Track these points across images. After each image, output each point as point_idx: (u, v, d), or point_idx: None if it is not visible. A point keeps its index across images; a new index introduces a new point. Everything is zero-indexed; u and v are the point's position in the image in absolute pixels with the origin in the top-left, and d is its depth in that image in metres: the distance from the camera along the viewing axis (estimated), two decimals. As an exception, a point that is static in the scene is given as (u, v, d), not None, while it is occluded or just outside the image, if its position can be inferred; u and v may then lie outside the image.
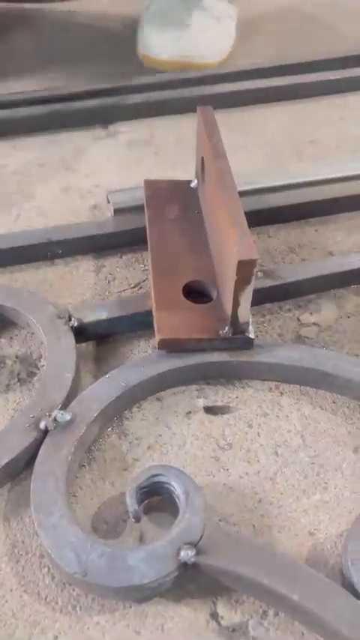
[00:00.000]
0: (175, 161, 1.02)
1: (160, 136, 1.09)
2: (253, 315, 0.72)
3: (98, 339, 0.72)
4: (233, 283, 0.60)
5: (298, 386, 0.68)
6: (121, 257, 0.83)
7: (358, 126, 1.13)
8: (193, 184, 0.86)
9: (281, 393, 0.67)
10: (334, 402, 0.66)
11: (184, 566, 0.49)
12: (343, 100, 1.20)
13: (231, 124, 1.11)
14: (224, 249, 0.65)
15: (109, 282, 0.80)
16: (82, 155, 1.04)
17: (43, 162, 1.02)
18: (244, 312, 0.64)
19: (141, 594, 0.49)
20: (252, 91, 1.16)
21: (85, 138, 1.08)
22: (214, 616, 0.50)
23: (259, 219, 0.87)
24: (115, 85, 1.13)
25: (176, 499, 0.53)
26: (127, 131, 1.10)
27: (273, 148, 1.07)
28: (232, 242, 0.60)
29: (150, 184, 0.86)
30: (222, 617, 0.50)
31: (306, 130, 1.12)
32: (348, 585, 0.49)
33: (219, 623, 0.49)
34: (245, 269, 0.58)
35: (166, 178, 0.88)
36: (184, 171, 0.90)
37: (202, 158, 0.79)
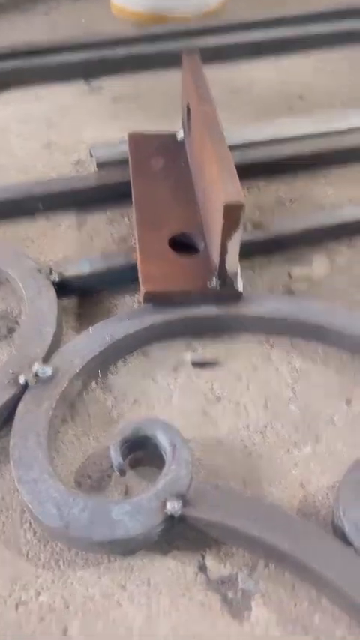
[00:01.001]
0: (161, 117, 0.97)
1: (145, 91, 1.05)
2: (242, 269, 0.69)
3: (81, 295, 0.70)
4: (221, 229, 0.57)
5: (289, 339, 0.65)
6: (104, 212, 0.80)
7: (349, 80, 1.09)
8: (179, 136, 0.83)
9: (271, 346, 0.65)
10: (325, 355, 0.64)
11: (171, 519, 0.47)
12: (334, 54, 1.16)
13: (219, 79, 1.07)
14: (211, 195, 0.62)
15: (92, 237, 0.77)
16: (64, 111, 1.00)
17: (25, 118, 0.98)
18: (233, 261, 0.61)
19: (125, 548, 0.47)
20: (239, 45, 1.12)
21: (67, 93, 1.03)
22: (203, 569, 0.48)
23: (248, 173, 0.83)
24: (98, 39, 1.08)
25: (162, 452, 0.51)
26: (111, 86, 1.05)
27: (262, 104, 1.03)
28: (218, 186, 0.57)
29: (134, 137, 0.83)
30: (210, 570, 0.48)
31: (296, 85, 1.08)
32: (339, 534, 0.47)
33: (207, 576, 0.48)
34: (233, 213, 0.56)
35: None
36: (170, 126, 0.87)
37: (188, 105, 0.75)
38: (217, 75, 1.07)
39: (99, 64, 1.05)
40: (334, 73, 1.11)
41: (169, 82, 1.05)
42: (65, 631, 0.45)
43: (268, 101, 1.04)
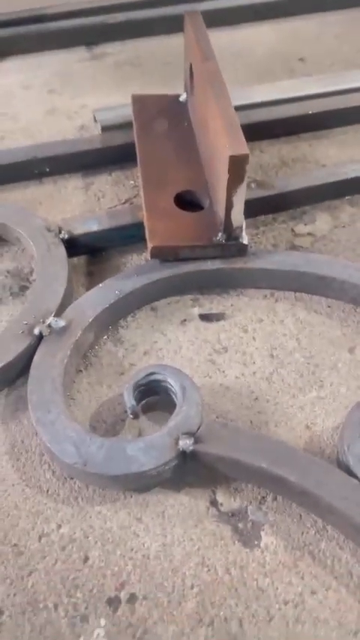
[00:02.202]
0: (164, 82, 0.98)
1: (147, 56, 1.05)
2: (247, 227, 0.71)
3: (90, 253, 0.71)
4: (226, 182, 0.59)
5: (293, 292, 0.67)
6: (110, 174, 0.82)
7: (350, 44, 1.09)
8: (182, 98, 0.83)
9: (276, 300, 0.67)
10: (329, 307, 0.66)
11: (183, 455, 0.49)
12: (334, 16, 1.16)
13: (220, 43, 1.07)
14: (216, 150, 0.64)
15: (98, 199, 0.79)
16: (67, 77, 1.00)
17: (27, 85, 0.98)
18: (238, 215, 0.63)
19: (140, 483, 0.50)
20: (240, 7, 1.12)
21: (69, 60, 1.04)
22: (214, 503, 0.51)
23: (251, 134, 0.83)
24: (98, 5, 1.08)
25: (173, 395, 0.54)
26: (113, 52, 1.06)
27: (263, 66, 1.04)
28: (223, 140, 0.58)
29: (138, 100, 0.84)
30: (222, 504, 0.51)
31: (296, 47, 1.08)
32: (344, 468, 0.50)
33: (218, 510, 0.50)
34: (237, 165, 0.57)
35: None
36: (172, 91, 0.87)
37: (191, 65, 0.76)
38: (218, 38, 1.07)
39: (100, 30, 1.06)
40: (334, 36, 1.11)
41: (170, 47, 1.06)
42: (86, 559, 0.47)
43: (270, 63, 1.05)
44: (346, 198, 0.79)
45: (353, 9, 1.17)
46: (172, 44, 1.06)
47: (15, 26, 1.05)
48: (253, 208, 0.74)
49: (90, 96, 0.96)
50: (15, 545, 0.48)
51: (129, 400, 0.53)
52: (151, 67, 1.03)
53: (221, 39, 1.09)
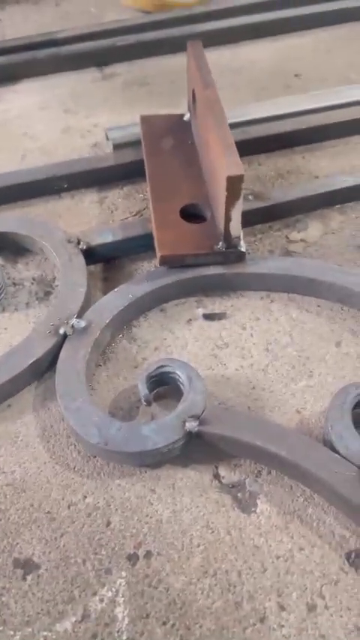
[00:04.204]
0: (169, 100, 1.07)
1: (154, 75, 1.14)
2: (245, 236, 0.79)
3: (106, 261, 0.80)
4: (224, 199, 0.67)
5: (287, 294, 0.75)
6: (121, 189, 0.90)
7: (342, 59, 1.17)
8: (186, 117, 0.92)
9: (271, 301, 0.75)
10: (318, 306, 0.74)
11: (189, 435, 0.58)
12: (329, 32, 1.23)
13: (221, 61, 1.16)
14: (215, 170, 0.72)
15: (112, 211, 0.87)
16: (80, 97, 1.09)
17: (43, 106, 1.07)
18: (236, 226, 0.71)
19: (154, 459, 0.58)
20: (240, 27, 1.20)
21: (82, 80, 1.13)
22: (217, 476, 0.59)
23: (249, 148, 0.93)
24: (108, 28, 1.17)
25: (181, 385, 0.62)
26: (122, 72, 1.14)
27: (261, 83, 1.12)
28: (221, 162, 0.67)
29: (146, 120, 0.92)
30: (223, 477, 0.59)
31: (293, 64, 1.16)
32: (329, 445, 0.58)
33: (220, 482, 0.59)
34: (234, 184, 0.65)
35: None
36: (178, 108, 0.96)
37: (193, 90, 0.84)
38: (220, 56, 1.16)
39: (110, 51, 1.14)
40: (328, 52, 1.19)
41: (175, 65, 1.14)
42: (108, 523, 0.56)
43: (267, 80, 1.13)
44: (336, 207, 0.87)
45: (343, 24, 1.24)
46: (177, 63, 1.14)
47: (29, 50, 1.13)
48: (251, 218, 0.82)
49: (102, 115, 1.05)
50: (48, 512, 0.57)
51: (142, 389, 0.61)
52: (157, 85, 1.11)
53: (223, 56, 1.18)
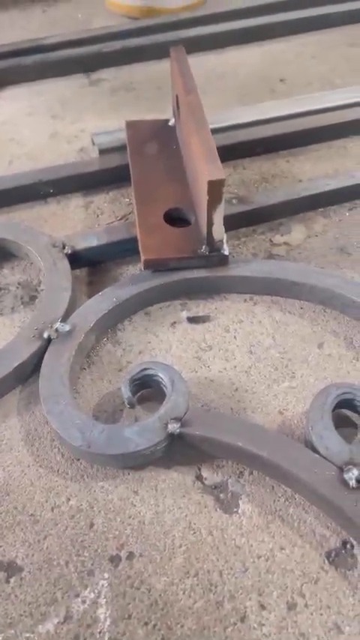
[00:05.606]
0: (156, 105, 1.08)
1: (140, 81, 1.15)
2: (229, 239, 0.80)
3: (90, 266, 0.81)
4: (206, 203, 0.68)
5: (270, 296, 0.76)
6: (107, 193, 0.91)
7: (327, 64, 1.18)
8: (171, 122, 0.93)
9: (255, 303, 0.76)
10: (301, 308, 0.75)
11: (172, 437, 0.58)
12: (313, 38, 1.25)
13: (207, 66, 1.17)
14: (197, 174, 0.73)
15: (97, 216, 0.88)
16: (67, 103, 1.10)
17: (31, 112, 1.08)
18: (218, 230, 0.72)
19: (136, 461, 0.59)
20: (226, 32, 1.21)
21: (69, 86, 1.13)
22: (199, 478, 0.60)
23: (234, 153, 0.94)
24: (95, 34, 1.18)
25: (164, 387, 0.63)
26: (109, 78, 1.15)
27: (246, 87, 1.13)
28: (202, 166, 0.67)
29: (131, 125, 0.93)
30: (206, 479, 0.60)
31: (277, 69, 1.17)
32: (309, 445, 0.58)
33: (203, 483, 0.59)
34: (215, 188, 0.66)
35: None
36: (164, 113, 0.97)
37: (177, 95, 0.85)
38: (205, 62, 1.17)
39: (97, 57, 1.15)
40: (313, 57, 1.20)
41: (161, 71, 1.15)
42: (91, 525, 0.56)
43: (252, 84, 1.14)
44: (320, 210, 0.88)
45: (328, 30, 1.26)
46: (163, 69, 1.15)
47: (17, 57, 1.14)
48: (235, 222, 0.83)
49: (89, 120, 1.06)
50: (32, 515, 0.57)
51: (126, 392, 0.62)
52: (144, 91, 1.12)
53: (209, 61, 1.19)
